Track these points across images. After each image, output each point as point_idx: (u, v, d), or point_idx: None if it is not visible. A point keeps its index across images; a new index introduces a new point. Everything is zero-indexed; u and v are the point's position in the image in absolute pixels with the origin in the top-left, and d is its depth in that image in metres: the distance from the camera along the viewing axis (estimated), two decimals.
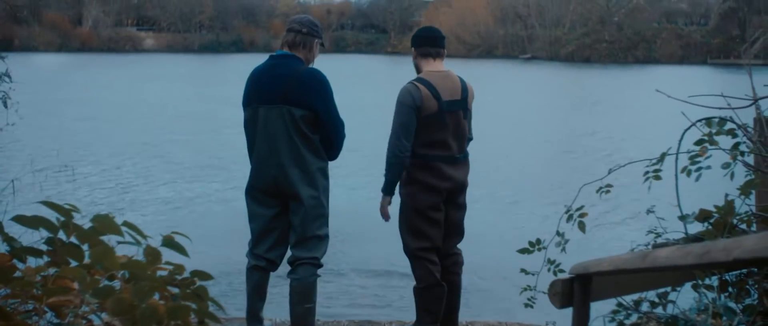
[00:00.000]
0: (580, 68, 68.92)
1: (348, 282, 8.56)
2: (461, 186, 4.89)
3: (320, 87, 4.48)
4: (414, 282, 4.93)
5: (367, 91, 35.08)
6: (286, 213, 4.65)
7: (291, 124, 4.42)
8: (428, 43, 4.87)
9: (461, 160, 4.85)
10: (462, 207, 4.99)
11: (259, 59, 4.86)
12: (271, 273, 4.80)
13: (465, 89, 4.83)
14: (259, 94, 4.50)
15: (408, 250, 4.90)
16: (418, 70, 4.88)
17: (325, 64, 4.75)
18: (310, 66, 4.62)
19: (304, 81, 4.44)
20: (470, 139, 5.01)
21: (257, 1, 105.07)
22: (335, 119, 4.53)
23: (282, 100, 4.41)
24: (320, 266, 4.68)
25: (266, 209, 4.64)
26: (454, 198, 4.88)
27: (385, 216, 4.92)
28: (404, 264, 5.28)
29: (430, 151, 4.72)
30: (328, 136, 4.54)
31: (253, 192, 4.67)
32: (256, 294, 4.73)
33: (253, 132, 4.55)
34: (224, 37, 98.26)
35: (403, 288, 7.73)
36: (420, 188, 4.76)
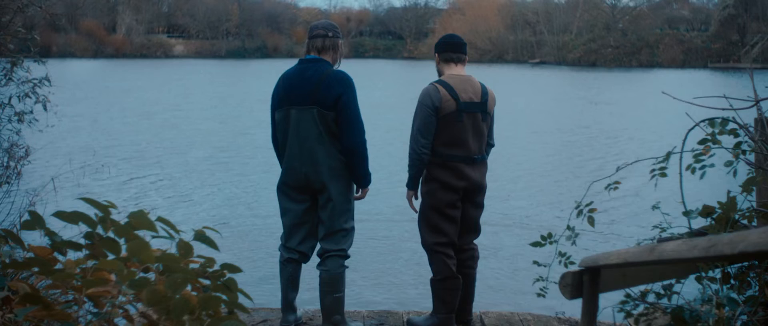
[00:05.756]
0: (586, 72, 68.57)
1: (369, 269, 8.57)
2: (479, 187, 4.87)
3: (346, 87, 4.50)
4: (431, 275, 4.94)
5: (385, 94, 35.08)
6: (315, 208, 4.70)
7: (322, 123, 4.46)
8: (450, 49, 4.88)
9: (479, 161, 4.83)
10: (479, 207, 4.99)
11: (283, 63, 4.90)
12: (302, 266, 4.83)
13: (485, 93, 4.83)
14: (290, 96, 4.54)
15: (426, 244, 4.91)
16: (440, 74, 4.91)
17: (345, 68, 4.78)
18: (337, 68, 4.66)
19: (332, 82, 4.48)
20: (492, 145, 5.00)
21: (281, 9, 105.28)
22: (354, 116, 4.51)
23: (312, 101, 4.46)
24: (347, 257, 4.72)
25: (297, 204, 4.68)
26: (472, 197, 4.87)
27: (412, 208, 4.96)
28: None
29: (449, 150, 4.71)
30: (347, 132, 4.49)
31: (284, 188, 4.70)
32: (290, 285, 4.79)
33: (285, 132, 4.59)
34: (249, 44, 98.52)
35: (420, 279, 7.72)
36: (438, 186, 4.76)
